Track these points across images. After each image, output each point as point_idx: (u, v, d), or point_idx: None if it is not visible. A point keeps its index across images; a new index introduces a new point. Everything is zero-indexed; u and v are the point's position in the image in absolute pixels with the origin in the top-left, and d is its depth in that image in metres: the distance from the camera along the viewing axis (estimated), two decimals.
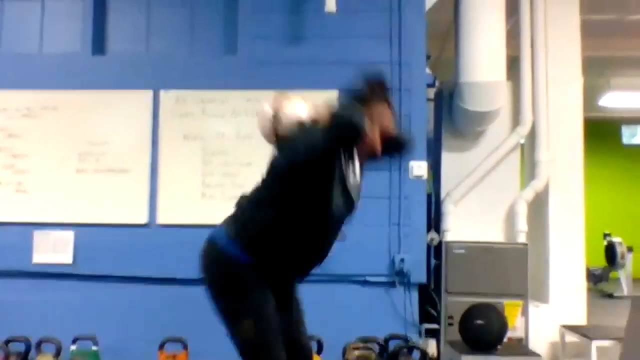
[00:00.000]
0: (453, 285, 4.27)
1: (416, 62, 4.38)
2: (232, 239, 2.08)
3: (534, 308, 4.48)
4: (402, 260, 4.19)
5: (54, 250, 4.31)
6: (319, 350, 3.71)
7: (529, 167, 5.09)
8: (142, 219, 4.31)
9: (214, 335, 4.13)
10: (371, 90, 2.06)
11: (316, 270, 2.20)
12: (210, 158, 4.35)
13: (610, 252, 8.79)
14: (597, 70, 7.03)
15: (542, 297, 4.72)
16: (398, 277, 4.21)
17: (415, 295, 4.25)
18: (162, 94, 4.40)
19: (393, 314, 4.21)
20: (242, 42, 4.43)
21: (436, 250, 4.53)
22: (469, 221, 4.72)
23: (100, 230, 4.31)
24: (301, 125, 2.09)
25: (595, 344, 3.94)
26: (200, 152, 4.35)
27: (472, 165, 4.79)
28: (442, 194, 4.81)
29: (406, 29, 4.38)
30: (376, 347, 3.87)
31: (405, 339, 4.00)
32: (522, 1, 4.86)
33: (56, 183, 4.36)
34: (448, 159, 4.95)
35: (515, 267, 4.29)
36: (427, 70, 4.56)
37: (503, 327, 3.76)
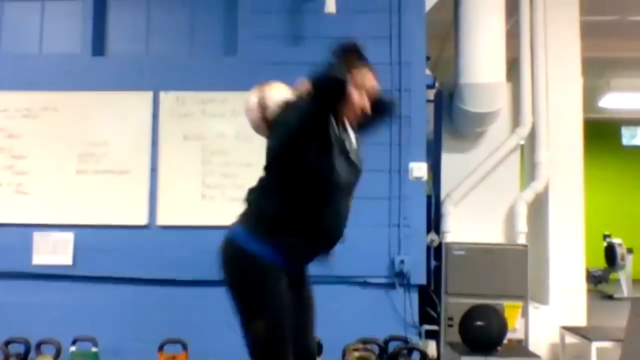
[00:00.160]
0: (453, 287, 4.27)
1: (416, 62, 4.37)
2: (247, 233, 2.08)
3: (534, 309, 4.48)
4: (402, 261, 4.19)
5: (53, 251, 4.30)
6: (319, 351, 3.71)
7: (528, 168, 5.09)
8: (142, 220, 4.30)
9: (213, 336, 4.16)
10: (348, 55, 2.09)
11: (336, 249, 2.18)
12: (210, 159, 4.35)
13: (610, 253, 8.78)
14: (597, 71, 7.04)
15: (542, 299, 4.72)
16: (398, 278, 4.21)
17: (415, 296, 4.25)
18: (162, 94, 4.40)
19: (393, 315, 4.20)
20: (242, 43, 4.43)
21: (436, 252, 4.53)
22: (469, 222, 4.71)
23: (100, 231, 4.30)
24: (287, 103, 2.11)
25: (595, 345, 3.94)
26: (200, 153, 4.35)
27: (472, 166, 4.79)
28: (442, 195, 4.81)
29: (406, 29, 4.38)
30: (376, 349, 3.87)
31: (405, 340, 4.00)
32: (522, 1, 4.86)
33: (56, 184, 4.36)
34: (448, 160, 4.94)
35: (515, 268, 4.28)
36: (427, 71, 4.56)
37: (503, 328, 3.76)
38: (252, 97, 2.30)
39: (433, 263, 4.51)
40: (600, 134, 10.09)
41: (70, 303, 4.23)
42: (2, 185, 4.39)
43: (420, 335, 4.24)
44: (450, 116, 4.88)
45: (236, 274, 2.11)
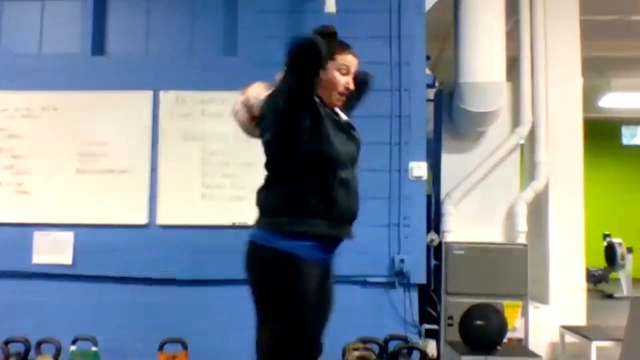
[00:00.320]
0: (453, 286, 4.27)
1: (416, 62, 4.38)
2: (268, 232, 2.07)
3: (533, 309, 4.48)
4: (402, 260, 4.19)
5: (53, 251, 4.31)
6: None
7: (528, 168, 5.09)
8: (142, 219, 4.31)
9: (213, 336, 4.16)
10: (327, 39, 2.12)
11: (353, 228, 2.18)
12: (210, 158, 4.35)
13: (610, 252, 8.79)
14: (597, 71, 7.04)
15: (542, 298, 4.72)
16: (398, 277, 4.21)
17: (415, 295, 4.25)
18: (162, 94, 4.40)
19: (393, 314, 4.21)
20: (242, 43, 4.43)
21: (436, 251, 4.53)
22: (469, 222, 4.71)
23: (100, 230, 4.31)
24: (269, 94, 2.14)
25: (595, 344, 3.94)
26: (200, 153, 4.35)
27: (472, 166, 4.79)
28: (442, 195, 4.81)
29: (406, 29, 4.38)
30: (376, 348, 3.87)
31: (405, 340, 4.00)
32: (522, 1, 4.86)
33: (56, 184, 4.36)
34: (448, 160, 4.94)
35: (515, 267, 4.28)
36: (427, 71, 4.56)
37: (503, 327, 3.76)
38: (236, 104, 2.32)
39: (433, 262, 4.51)
40: (600, 133, 10.10)
41: (70, 302, 4.24)
42: (2, 185, 4.40)
43: (420, 334, 4.25)
44: (450, 116, 4.88)
45: (264, 274, 2.08)
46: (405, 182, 4.28)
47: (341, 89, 2.17)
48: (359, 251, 4.04)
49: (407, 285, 4.22)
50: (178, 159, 4.35)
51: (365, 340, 3.86)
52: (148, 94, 4.41)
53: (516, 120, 4.87)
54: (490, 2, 4.52)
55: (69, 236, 4.32)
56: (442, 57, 6.25)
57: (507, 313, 4.05)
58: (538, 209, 4.87)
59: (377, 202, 4.16)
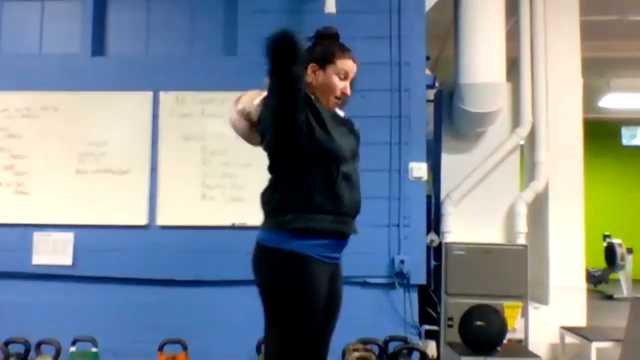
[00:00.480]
0: (453, 287, 4.27)
1: (416, 62, 4.38)
2: (274, 233, 2.05)
3: (533, 309, 4.48)
4: (401, 261, 4.19)
5: (53, 251, 4.30)
6: None
7: (528, 168, 5.09)
8: (142, 220, 4.30)
9: (213, 336, 4.16)
10: (327, 42, 2.17)
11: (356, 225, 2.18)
12: (210, 159, 4.34)
13: (610, 253, 8.79)
14: (597, 72, 7.04)
15: (542, 299, 4.72)
16: (398, 278, 4.21)
17: (415, 296, 4.25)
18: (162, 94, 4.40)
19: (393, 315, 4.20)
20: (242, 43, 4.42)
21: (436, 252, 4.52)
22: (469, 222, 4.71)
23: (100, 231, 4.30)
24: (263, 98, 2.13)
25: (595, 345, 3.94)
26: (200, 153, 4.35)
27: (472, 166, 4.79)
28: (442, 196, 4.81)
29: (406, 29, 4.38)
30: (376, 349, 3.86)
31: (405, 340, 4.00)
32: (522, 2, 4.86)
33: (56, 184, 4.36)
34: (448, 160, 4.94)
35: (515, 268, 4.28)
36: (427, 71, 4.56)
37: (503, 328, 3.76)
38: (232, 114, 2.31)
39: (433, 263, 4.51)
40: (600, 134, 10.10)
41: (70, 303, 4.23)
42: (2, 185, 4.39)
43: (420, 335, 4.24)
44: (450, 116, 4.88)
45: (272, 276, 2.05)
46: (405, 183, 4.28)
47: (338, 93, 2.17)
48: (359, 252, 4.02)
49: (407, 286, 4.22)
50: (178, 159, 4.35)
51: (365, 341, 3.86)
52: (148, 94, 4.40)
53: (516, 121, 4.87)
54: (490, 2, 4.53)
55: (69, 236, 4.32)
56: (442, 57, 6.25)
57: (507, 314, 4.05)
58: (538, 209, 4.87)
59: (377, 203, 4.16)
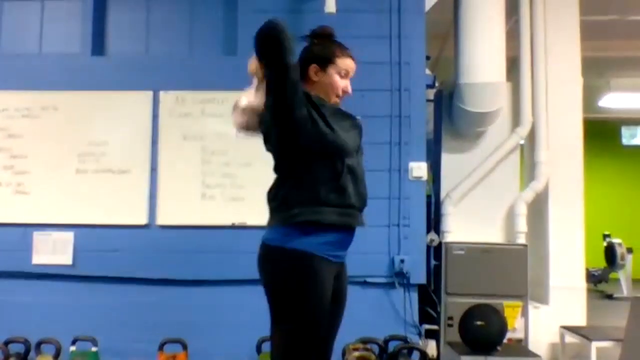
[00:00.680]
0: (453, 286, 4.27)
1: (416, 62, 4.38)
2: (280, 231, 2.05)
3: (533, 309, 4.48)
4: (401, 261, 4.19)
5: (53, 251, 4.30)
6: None
7: (528, 168, 5.09)
8: (142, 219, 4.30)
9: (213, 336, 4.16)
10: (326, 41, 2.20)
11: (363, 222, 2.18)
12: (210, 158, 4.34)
13: (610, 253, 8.79)
14: (597, 71, 7.04)
15: (542, 298, 4.72)
16: (398, 278, 4.21)
17: (415, 296, 4.25)
18: (162, 94, 4.40)
19: (393, 314, 4.21)
20: (242, 43, 4.42)
21: (436, 251, 4.53)
22: (469, 222, 4.72)
23: (100, 231, 4.30)
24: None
25: (595, 345, 3.94)
26: (200, 153, 4.35)
27: (472, 166, 4.79)
28: (442, 195, 4.81)
29: (406, 29, 4.38)
30: (376, 348, 3.87)
31: (405, 340, 4.00)
32: (522, 1, 4.86)
33: (56, 184, 4.36)
34: (448, 160, 4.94)
35: (515, 268, 4.28)
36: (427, 71, 4.56)
37: (503, 328, 3.76)
38: (237, 117, 2.28)
39: (433, 263, 4.51)
40: (600, 133, 10.11)
41: (70, 303, 4.23)
42: (2, 185, 4.39)
43: (420, 334, 4.24)
44: (450, 116, 4.88)
45: (278, 275, 2.04)
46: (405, 182, 4.28)
47: (340, 92, 2.19)
48: (359, 251, 4.02)
49: (407, 286, 4.22)
50: (178, 159, 4.35)
51: (365, 341, 3.86)
52: (148, 94, 4.40)
53: (516, 120, 4.88)
54: (490, 2, 4.52)
55: (69, 236, 4.32)
56: (442, 57, 6.25)
57: (507, 313, 4.05)
58: (538, 209, 4.87)
59: (377, 202, 4.15)
